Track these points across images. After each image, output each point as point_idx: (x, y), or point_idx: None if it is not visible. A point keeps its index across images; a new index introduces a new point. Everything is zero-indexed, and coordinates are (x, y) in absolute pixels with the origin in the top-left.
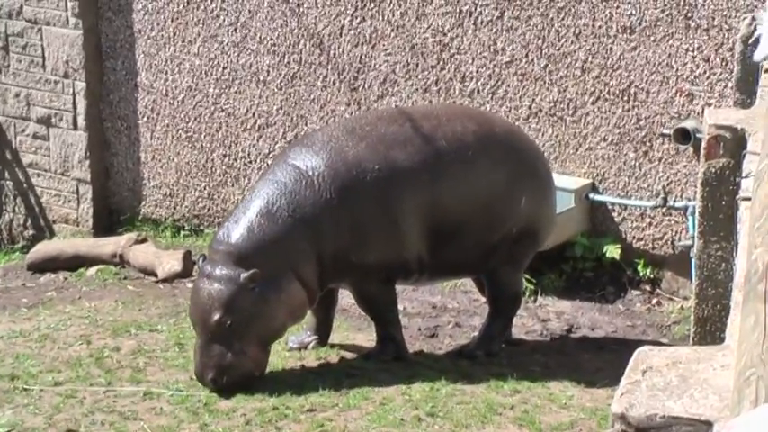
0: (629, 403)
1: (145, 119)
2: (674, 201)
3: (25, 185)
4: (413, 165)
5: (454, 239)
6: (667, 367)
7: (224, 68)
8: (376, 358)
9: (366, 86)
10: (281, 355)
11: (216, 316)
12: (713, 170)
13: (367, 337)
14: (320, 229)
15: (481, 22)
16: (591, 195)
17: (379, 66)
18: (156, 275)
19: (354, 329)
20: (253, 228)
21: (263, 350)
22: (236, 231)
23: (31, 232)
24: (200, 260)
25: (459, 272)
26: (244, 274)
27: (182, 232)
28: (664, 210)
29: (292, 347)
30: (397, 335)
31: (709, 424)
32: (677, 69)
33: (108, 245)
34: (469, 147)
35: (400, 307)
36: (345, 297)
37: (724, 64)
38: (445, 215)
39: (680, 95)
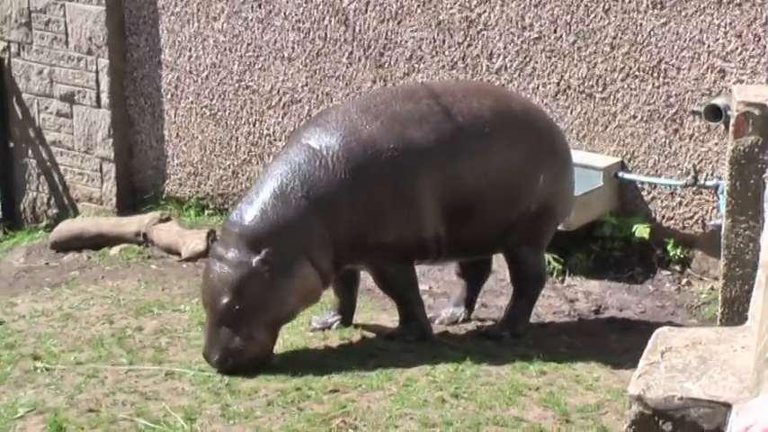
0: (646, 385)
1: (168, 96)
2: (705, 179)
3: (48, 163)
4: (429, 143)
5: (472, 218)
6: (687, 348)
7: (248, 45)
8: (400, 339)
9: (392, 63)
10: (304, 336)
11: (225, 299)
12: (742, 148)
13: (391, 318)
14: (335, 211)
15: None
16: (620, 174)
17: (406, 42)
18: (179, 255)
19: (378, 310)
20: (266, 210)
21: (272, 334)
22: (250, 213)
23: (54, 211)
24: (213, 240)
25: (477, 250)
26: (256, 258)
27: (206, 211)
28: (694, 188)
29: (315, 328)
30: (420, 315)
31: (728, 406)
32: (708, 45)
33: (131, 224)
34: (486, 123)
35: (426, 287)
36: (370, 277)
37: (756, 39)
38: (462, 193)
39: (711, 72)
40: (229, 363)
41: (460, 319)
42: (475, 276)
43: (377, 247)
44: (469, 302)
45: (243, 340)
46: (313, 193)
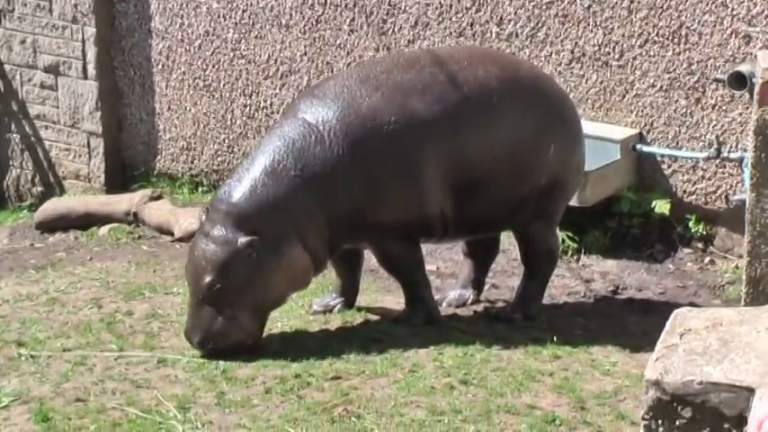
0: (664, 369)
1: (159, 66)
2: (729, 151)
3: (33, 139)
4: (432, 114)
5: (479, 193)
6: (707, 330)
7: (244, 11)
8: (405, 322)
9: (396, 30)
10: (305, 319)
11: (207, 279)
12: (767, 117)
13: (396, 300)
14: (331, 189)
15: None
16: (638, 146)
17: (410, 8)
18: (172, 234)
19: (383, 291)
20: (256, 187)
21: (258, 319)
22: (238, 190)
23: (39, 189)
24: (203, 214)
25: (486, 228)
26: (242, 240)
27: (200, 188)
28: (717, 161)
29: (316, 311)
30: (426, 296)
31: (750, 390)
32: (732, 8)
33: (121, 202)
34: (493, 92)
35: (433, 267)
36: (374, 257)
37: None
38: (469, 167)
39: (735, 37)
40: (210, 345)
41: (469, 300)
42: (482, 255)
43: (377, 225)
44: (478, 283)
45: (225, 323)
46: (307, 170)
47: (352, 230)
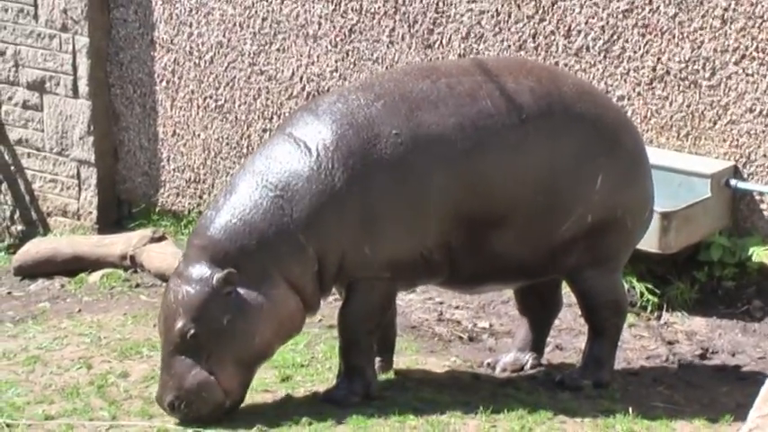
0: None
1: (164, 84)
2: None
3: (13, 168)
4: (444, 129)
5: (503, 229)
6: None
7: (264, 20)
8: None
9: (444, 43)
10: (331, 385)
11: (179, 324)
12: None
13: (441, 362)
14: (319, 216)
15: None
16: (733, 182)
17: (461, 16)
18: None
19: (425, 352)
20: (234, 216)
21: (241, 375)
22: (215, 221)
23: (19, 227)
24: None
25: (521, 273)
26: (217, 275)
27: None
28: None
29: None
30: (365, 367)
31: None
32: None
33: (116, 244)
34: (523, 108)
35: (485, 324)
36: (415, 311)
37: None
38: (488, 195)
39: None
40: (183, 408)
41: (528, 364)
42: (541, 311)
43: (375, 261)
44: (537, 344)
45: (201, 379)
46: (291, 192)
47: (349, 266)
